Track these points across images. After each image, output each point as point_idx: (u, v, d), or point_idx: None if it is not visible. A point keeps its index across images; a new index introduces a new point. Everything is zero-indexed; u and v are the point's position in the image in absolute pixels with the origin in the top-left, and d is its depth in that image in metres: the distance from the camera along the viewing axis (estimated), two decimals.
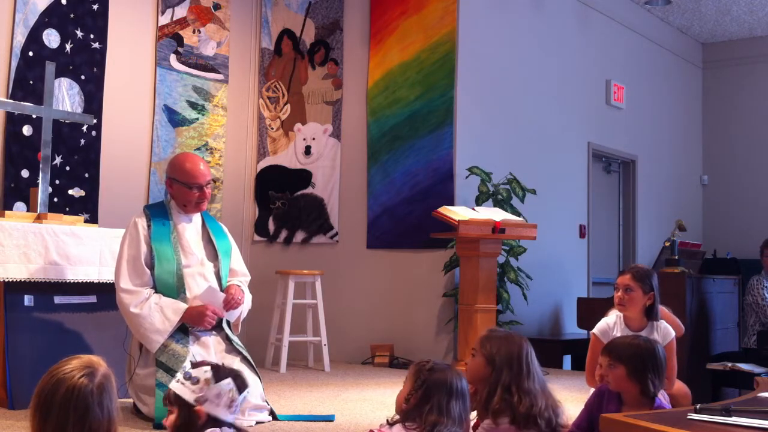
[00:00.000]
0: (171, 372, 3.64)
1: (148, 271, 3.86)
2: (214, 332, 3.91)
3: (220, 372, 2.48)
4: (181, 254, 3.94)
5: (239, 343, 4.00)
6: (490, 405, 2.67)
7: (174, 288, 3.86)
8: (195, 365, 2.48)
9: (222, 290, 4.00)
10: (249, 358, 3.95)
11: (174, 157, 4.31)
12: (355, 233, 6.75)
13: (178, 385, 2.41)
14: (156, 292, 3.85)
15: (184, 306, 3.82)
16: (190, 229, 4.06)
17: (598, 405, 3.03)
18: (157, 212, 4.04)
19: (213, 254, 4.08)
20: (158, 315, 3.76)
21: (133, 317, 3.75)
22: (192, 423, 2.38)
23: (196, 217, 4.12)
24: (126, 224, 4.01)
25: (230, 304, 3.94)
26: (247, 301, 4.11)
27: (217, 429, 2.40)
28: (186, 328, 3.85)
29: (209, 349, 3.84)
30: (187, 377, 2.41)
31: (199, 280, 3.94)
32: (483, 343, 2.81)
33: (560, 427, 2.71)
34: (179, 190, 4.02)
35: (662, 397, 3.75)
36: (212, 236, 4.11)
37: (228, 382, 2.45)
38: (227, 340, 3.95)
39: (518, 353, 2.70)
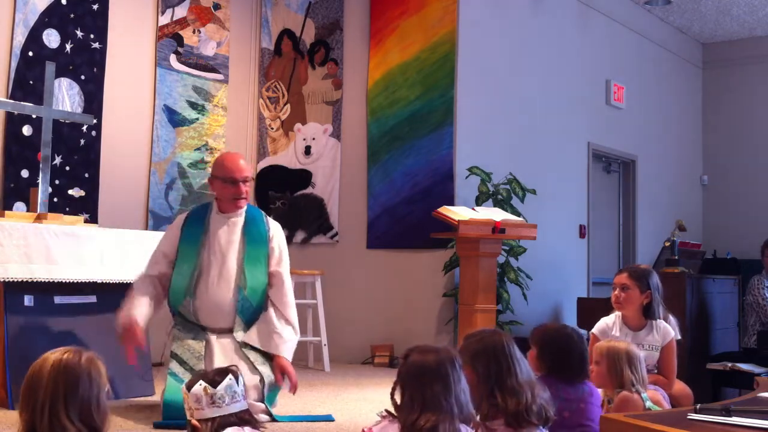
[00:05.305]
0: (185, 365, 3.74)
1: (163, 266, 3.94)
2: (230, 336, 3.88)
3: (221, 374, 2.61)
4: (204, 258, 3.89)
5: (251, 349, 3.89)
6: (480, 411, 2.65)
7: (182, 291, 3.88)
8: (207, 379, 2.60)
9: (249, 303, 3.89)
10: (254, 364, 3.84)
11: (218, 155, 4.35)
12: (355, 233, 6.75)
13: (221, 409, 2.55)
14: (163, 290, 3.95)
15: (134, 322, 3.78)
16: (226, 231, 3.94)
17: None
18: (197, 211, 4.06)
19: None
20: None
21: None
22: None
23: (237, 219, 3.98)
24: (125, 224, 4.02)
25: (291, 383, 3.86)
26: (286, 337, 3.90)
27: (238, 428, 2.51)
28: (203, 327, 3.90)
29: (222, 348, 3.84)
30: (222, 400, 2.56)
31: (214, 288, 3.87)
32: (463, 353, 2.77)
33: (552, 419, 2.68)
34: (217, 186, 3.98)
35: (662, 396, 3.75)
36: (245, 241, 3.94)
37: (230, 377, 2.61)
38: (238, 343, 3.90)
39: (494, 352, 2.65)
